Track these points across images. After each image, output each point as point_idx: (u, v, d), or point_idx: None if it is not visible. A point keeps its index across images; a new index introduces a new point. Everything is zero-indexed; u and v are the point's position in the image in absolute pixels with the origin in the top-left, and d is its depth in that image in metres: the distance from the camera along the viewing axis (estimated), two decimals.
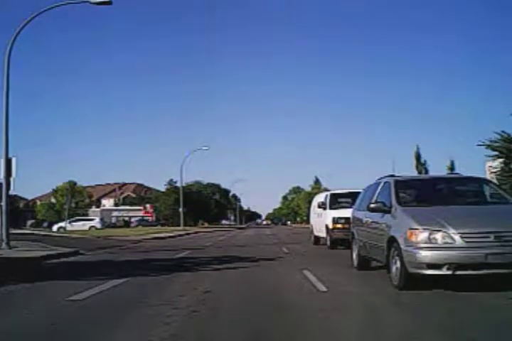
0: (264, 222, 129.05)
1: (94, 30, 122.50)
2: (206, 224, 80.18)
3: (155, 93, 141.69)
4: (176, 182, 70.58)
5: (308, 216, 27.07)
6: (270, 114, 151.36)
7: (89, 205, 78.76)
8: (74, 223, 52.81)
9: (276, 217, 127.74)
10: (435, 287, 6.98)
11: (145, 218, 71.55)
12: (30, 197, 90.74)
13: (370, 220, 8.84)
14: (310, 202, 25.01)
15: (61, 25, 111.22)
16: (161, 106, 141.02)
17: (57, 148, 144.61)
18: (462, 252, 6.49)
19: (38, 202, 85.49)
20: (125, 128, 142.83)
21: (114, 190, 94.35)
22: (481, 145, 22.76)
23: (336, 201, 17.84)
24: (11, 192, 17.71)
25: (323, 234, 17.96)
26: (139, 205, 79.07)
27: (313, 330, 4.88)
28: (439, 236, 6.63)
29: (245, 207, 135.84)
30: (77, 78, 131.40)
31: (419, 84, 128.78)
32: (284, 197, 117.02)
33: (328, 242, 17.09)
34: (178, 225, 54.46)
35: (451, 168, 34.01)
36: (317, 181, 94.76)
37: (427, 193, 8.76)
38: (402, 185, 8.59)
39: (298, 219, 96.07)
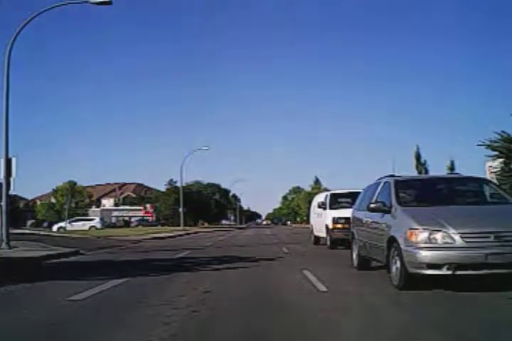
0: (264, 222, 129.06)
1: (94, 34, 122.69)
2: (206, 224, 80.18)
3: (155, 97, 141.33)
4: (176, 182, 70.68)
5: (308, 216, 27.07)
6: (271, 118, 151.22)
7: (89, 205, 78.76)
8: (74, 223, 52.82)
9: (276, 217, 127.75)
10: (435, 287, 6.98)
11: (145, 218, 71.56)
12: (30, 197, 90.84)
13: (370, 220, 8.84)
14: (310, 202, 25.01)
15: (61, 26, 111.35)
16: (162, 109, 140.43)
17: (57, 150, 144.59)
18: (462, 252, 6.49)
19: (38, 202, 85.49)
20: (125, 132, 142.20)
21: (114, 190, 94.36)
22: (481, 145, 22.80)
23: (336, 201, 17.84)
24: (11, 192, 17.74)
25: (323, 234, 17.96)
26: (139, 205, 79.08)
27: (313, 330, 4.88)
28: (439, 236, 6.63)
29: (245, 207, 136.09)
30: (77, 82, 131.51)
31: (420, 88, 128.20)
32: (284, 197, 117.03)
33: (328, 242, 17.09)
34: (178, 225, 54.46)
35: (451, 168, 34.02)
36: (317, 181, 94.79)
37: (427, 193, 8.77)
38: (402, 185, 8.59)
39: (298, 219, 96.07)
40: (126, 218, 70.89)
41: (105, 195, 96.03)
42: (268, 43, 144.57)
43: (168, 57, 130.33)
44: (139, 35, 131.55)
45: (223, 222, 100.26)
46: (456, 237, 6.56)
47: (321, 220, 18.07)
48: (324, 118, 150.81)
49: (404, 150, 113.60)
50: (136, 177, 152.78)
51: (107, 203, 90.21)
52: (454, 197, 8.60)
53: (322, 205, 18.26)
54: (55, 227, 51.33)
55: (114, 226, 60.84)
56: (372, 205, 8.41)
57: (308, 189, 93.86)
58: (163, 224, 67.07)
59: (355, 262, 10.05)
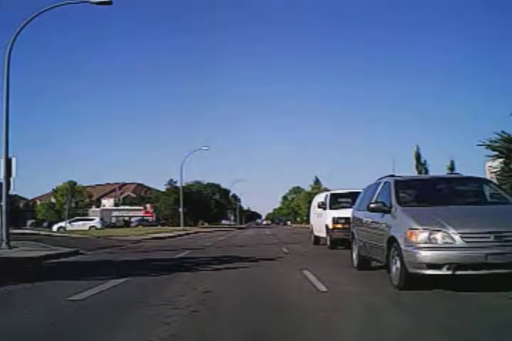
0: (264, 222, 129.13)
1: (94, 30, 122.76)
2: (206, 224, 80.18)
3: (155, 93, 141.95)
4: (176, 182, 70.71)
5: (308, 216, 27.07)
6: (270, 114, 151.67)
7: (89, 205, 78.76)
8: (74, 223, 52.83)
9: (276, 217, 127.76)
10: (435, 287, 6.97)
11: (145, 218, 71.56)
12: (30, 197, 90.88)
13: (370, 220, 8.84)
14: (310, 202, 25.00)
15: (61, 25, 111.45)
16: (162, 106, 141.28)
17: (57, 148, 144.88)
18: (462, 252, 6.49)
19: (38, 202, 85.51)
20: (125, 128, 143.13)
21: (114, 190, 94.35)
22: (481, 145, 22.78)
23: (336, 201, 17.83)
24: (11, 192, 17.75)
25: (323, 234, 17.96)
26: (139, 205, 79.09)
27: (313, 330, 4.88)
28: (439, 236, 6.62)
29: (245, 207, 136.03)
30: (77, 78, 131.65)
31: (420, 84, 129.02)
32: (284, 197, 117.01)
33: (328, 242, 17.09)
34: (178, 225, 54.47)
35: (451, 168, 34.01)
36: (317, 181, 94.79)
37: (427, 193, 8.76)
38: (402, 185, 8.59)
39: (298, 219, 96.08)
40: (126, 218, 70.89)
41: (105, 195, 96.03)
42: (268, 40, 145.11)
43: (168, 53, 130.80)
44: (138, 31, 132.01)
45: (223, 222, 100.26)
46: (456, 237, 6.56)
47: (321, 220, 18.07)
48: (324, 116, 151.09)
49: (404, 150, 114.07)
50: (136, 177, 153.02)
51: (107, 203, 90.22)
52: (454, 197, 8.60)
53: (322, 205, 18.26)
54: (55, 227, 51.34)
55: (114, 226, 60.85)
56: (372, 205, 8.41)
57: (308, 189, 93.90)
58: (163, 224, 67.07)
59: (355, 262, 10.05)
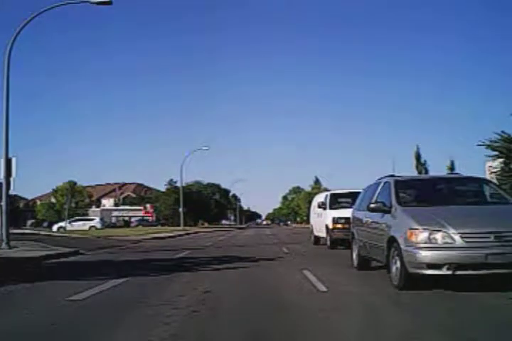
0: (264, 222, 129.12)
1: (94, 30, 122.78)
2: (206, 224, 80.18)
3: (155, 93, 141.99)
4: (176, 182, 70.72)
5: (308, 216, 27.07)
6: (270, 114, 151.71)
7: (89, 205, 78.76)
8: (74, 223, 52.83)
9: (276, 217, 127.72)
10: (435, 287, 6.97)
11: (145, 218, 71.55)
12: (30, 197, 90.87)
13: (370, 220, 8.84)
14: (310, 202, 25.00)
15: (61, 25, 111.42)
16: (162, 106, 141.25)
17: (57, 148, 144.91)
18: (462, 252, 6.49)
19: (38, 202, 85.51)
20: (125, 128, 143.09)
21: (114, 190, 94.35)
22: (481, 145, 22.78)
23: (336, 201, 17.83)
24: (11, 192, 17.74)
25: (323, 234, 17.96)
26: (139, 205, 79.08)
27: (313, 330, 4.88)
28: (439, 236, 6.62)
29: (245, 207, 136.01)
30: (77, 78, 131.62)
31: (419, 84, 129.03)
32: (284, 197, 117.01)
33: (328, 242, 17.09)
34: (178, 225, 54.46)
35: (451, 168, 34.02)
36: (317, 181, 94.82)
37: (427, 193, 8.76)
38: (402, 185, 8.58)
39: (298, 219, 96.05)
40: (126, 218, 70.88)
41: (105, 195, 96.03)
42: (268, 40, 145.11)
43: (168, 53, 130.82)
44: (138, 31, 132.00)
45: (223, 222, 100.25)
46: (456, 237, 6.56)
47: (321, 220, 18.07)
48: (324, 116, 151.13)
49: (404, 150, 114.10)
50: (136, 177, 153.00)
51: (107, 203, 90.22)
52: (454, 197, 8.60)
53: (322, 205, 18.26)
54: (55, 227, 51.34)
55: (114, 226, 60.84)
56: (372, 205, 8.41)
57: (308, 189, 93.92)
58: (163, 224, 67.07)
59: (355, 262, 10.05)
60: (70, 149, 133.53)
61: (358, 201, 10.64)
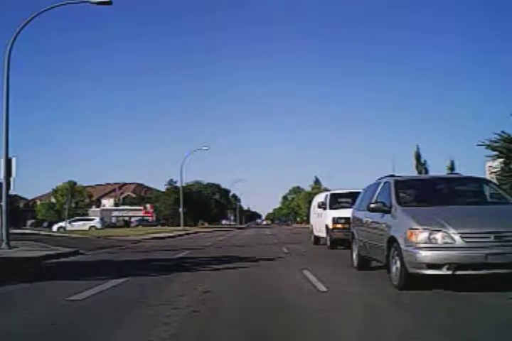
0: (264, 222, 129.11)
1: (94, 30, 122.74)
2: (206, 224, 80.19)
3: (155, 93, 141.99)
4: (176, 182, 70.72)
5: (308, 216, 27.07)
6: (270, 114, 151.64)
7: (89, 205, 78.76)
8: (74, 223, 52.83)
9: (276, 217, 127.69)
10: (435, 287, 6.97)
11: (145, 218, 71.54)
12: (30, 197, 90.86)
13: (370, 220, 8.84)
14: (310, 202, 25.01)
15: (61, 25, 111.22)
16: (161, 106, 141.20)
17: (57, 148, 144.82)
18: (462, 252, 6.49)
19: (38, 202, 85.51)
20: (125, 128, 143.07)
21: (114, 190, 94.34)
22: (481, 145, 22.81)
23: (336, 201, 17.83)
24: (11, 192, 17.74)
25: (323, 234, 17.96)
26: (139, 205, 79.07)
27: (313, 330, 4.88)
28: (439, 236, 6.62)
29: (245, 207, 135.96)
30: (76, 78, 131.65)
31: (419, 84, 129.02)
32: (284, 197, 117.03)
33: (328, 242, 17.09)
34: (178, 225, 54.46)
35: (451, 168, 34.04)
36: (317, 181, 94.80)
37: (427, 193, 8.76)
38: (402, 185, 8.58)
39: (298, 219, 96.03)
40: (126, 218, 70.87)
41: (105, 195, 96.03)
42: (268, 40, 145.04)
43: (167, 53, 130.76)
44: (138, 31, 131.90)
45: (223, 222, 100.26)
46: (456, 237, 6.56)
47: (321, 220, 18.06)
48: (324, 116, 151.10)
49: (404, 150, 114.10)
50: (136, 177, 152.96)
51: (107, 203, 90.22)
52: (454, 197, 8.60)
53: (322, 205, 18.26)
54: (55, 227, 51.34)
55: (114, 226, 60.84)
56: (372, 205, 8.41)
57: (308, 189, 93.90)
58: (163, 224, 67.07)
59: (355, 262, 10.05)
60: (70, 149, 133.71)
61: (358, 201, 10.63)
